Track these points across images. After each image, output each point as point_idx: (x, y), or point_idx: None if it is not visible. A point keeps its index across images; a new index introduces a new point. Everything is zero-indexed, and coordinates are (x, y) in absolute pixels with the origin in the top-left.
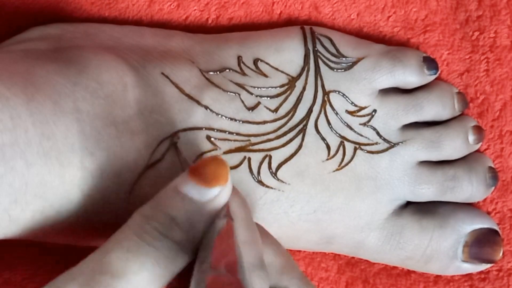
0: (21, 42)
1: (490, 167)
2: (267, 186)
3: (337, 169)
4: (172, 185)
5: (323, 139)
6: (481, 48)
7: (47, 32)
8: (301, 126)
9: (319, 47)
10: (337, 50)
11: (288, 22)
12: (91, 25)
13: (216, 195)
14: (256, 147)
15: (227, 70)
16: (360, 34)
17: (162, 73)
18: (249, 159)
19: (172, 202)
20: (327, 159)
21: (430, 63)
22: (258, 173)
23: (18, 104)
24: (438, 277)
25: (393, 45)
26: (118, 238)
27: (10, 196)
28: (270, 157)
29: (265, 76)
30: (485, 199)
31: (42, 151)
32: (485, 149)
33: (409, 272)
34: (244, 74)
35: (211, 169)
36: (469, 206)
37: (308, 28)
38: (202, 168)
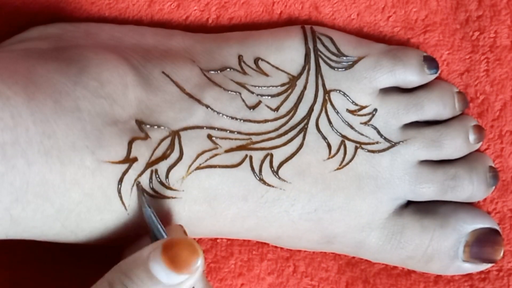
0: (22, 41)
1: (491, 167)
2: (269, 185)
3: (338, 168)
4: (144, 256)
5: (324, 138)
6: (481, 48)
7: (47, 31)
8: (302, 125)
9: (319, 46)
10: (337, 49)
11: (288, 22)
12: (91, 25)
13: (182, 281)
14: (257, 145)
15: (228, 69)
16: (360, 34)
17: (163, 72)
18: (251, 157)
19: (140, 274)
20: (328, 158)
21: (430, 62)
22: (260, 171)
23: (19, 103)
24: (438, 277)
25: (393, 45)
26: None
27: (11, 195)
28: (272, 155)
29: (266, 75)
30: (485, 199)
31: (43, 149)
32: (485, 149)
33: (409, 272)
34: (245, 73)
35: (184, 255)
36: (470, 206)
37: (309, 27)
38: (175, 250)
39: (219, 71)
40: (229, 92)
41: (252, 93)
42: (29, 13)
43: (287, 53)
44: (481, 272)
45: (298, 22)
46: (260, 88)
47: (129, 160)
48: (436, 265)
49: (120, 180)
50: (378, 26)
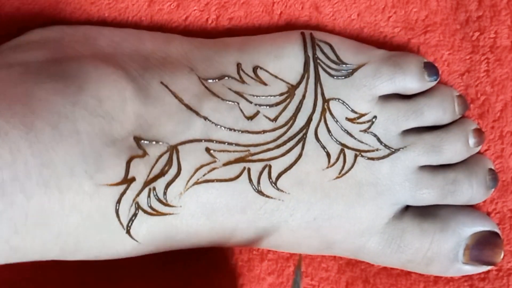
0: (20, 46)
1: (490, 169)
2: (267, 196)
3: (337, 177)
4: None
5: (323, 147)
6: (481, 49)
7: (46, 35)
8: (301, 134)
9: (319, 54)
10: (337, 56)
11: (288, 23)
12: (90, 28)
13: None
14: (255, 157)
15: (226, 78)
16: (361, 35)
17: (161, 83)
18: (249, 169)
19: None
20: (328, 167)
21: (431, 69)
22: (258, 183)
23: (17, 136)
24: (438, 277)
25: (393, 45)
26: None
27: (10, 229)
28: (270, 166)
29: (265, 84)
30: (485, 200)
31: (41, 181)
32: (486, 150)
33: (409, 272)
34: (243, 82)
35: None
36: (469, 209)
37: (309, 33)
38: None
39: (217, 80)
40: (227, 102)
41: (251, 102)
42: (29, 13)
43: (286, 61)
44: (480, 272)
45: (298, 23)
46: (258, 97)
47: (127, 180)
48: (436, 267)
49: (118, 201)
50: (379, 26)
